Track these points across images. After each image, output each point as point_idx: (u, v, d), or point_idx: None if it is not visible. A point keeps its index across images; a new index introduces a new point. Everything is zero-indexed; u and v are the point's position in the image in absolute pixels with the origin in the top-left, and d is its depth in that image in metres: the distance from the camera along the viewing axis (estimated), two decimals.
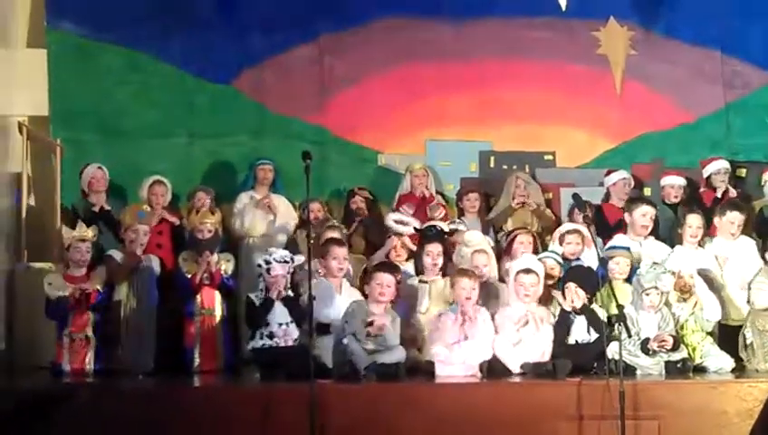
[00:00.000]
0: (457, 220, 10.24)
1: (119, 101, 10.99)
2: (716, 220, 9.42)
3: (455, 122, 11.37)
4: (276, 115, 11.18)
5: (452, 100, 11.38)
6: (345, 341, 7.77)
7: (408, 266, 9.25)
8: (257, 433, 7.11)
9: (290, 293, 8.24)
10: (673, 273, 8.52)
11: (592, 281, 8.31)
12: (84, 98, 10.87)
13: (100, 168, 10.10)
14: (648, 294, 8.24)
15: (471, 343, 8.07)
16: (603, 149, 11.41)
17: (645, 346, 8.03)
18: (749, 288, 8.77)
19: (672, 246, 9.34)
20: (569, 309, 8.33)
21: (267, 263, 8.24)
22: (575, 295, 8.32)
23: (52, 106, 10.66)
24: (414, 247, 9.48)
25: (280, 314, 8.16)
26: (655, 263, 8.53)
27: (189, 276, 8.90)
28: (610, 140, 11.43)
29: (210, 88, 11.16)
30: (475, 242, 9.23)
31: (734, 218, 9.32)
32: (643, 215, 9.47)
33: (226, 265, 9.08)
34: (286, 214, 10.45)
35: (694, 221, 9.25)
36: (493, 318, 8.30)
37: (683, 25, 11.60)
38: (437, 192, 11.02)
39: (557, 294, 8.64)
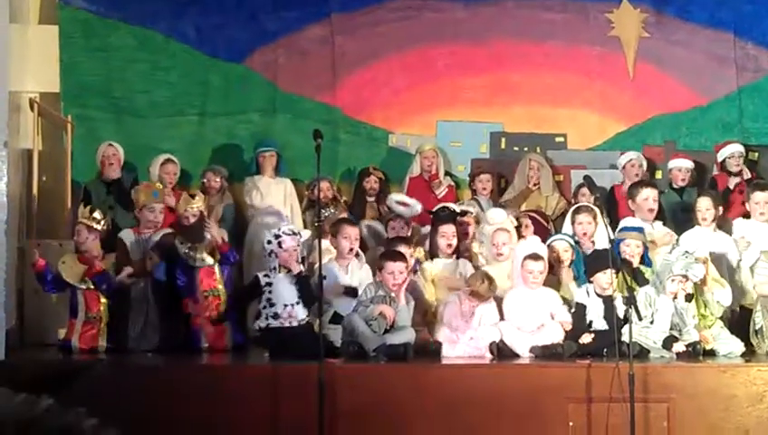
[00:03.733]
0: (467, 201, 10.23)
1: (130, 78, 10.97)
2: (747, 204, 9.42)
3: (466, 103, 11.34)
4: (288, 94, 11.16)
5: (464, 81, 11.35)
6: (352, 318, 7.83)
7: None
8: (265, 412, 7.13)
9: (302, 268, 8.24)
10: (705, 261, 8.48)
11: (616, 265, 8.22)
12: (96, 75, 10.87)
13: (111, 145, 10.12)
14: (672, 281, 8.20)
15: (475, 329, 8.08)
16: (615, 132, 11.36)
17: (668, 343, 7.99)
18: (752, 273, 8.77)
19: (678, 230, 9.33)
20: (602, 294, 8.29)
21: (277, 237, 8.21)
22: (609, 282, 8.27)
23: (64, 83, 10.64)
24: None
25: (288, 294, 8.15)
26: (687, 252, 8.46)
27: (187, 260, 8.85)
28: (622, 122, 11.39)
29: (222, 67, 11.14)
30: (497, 220, 9.21)
31: (758, 199, 9.29)
32: (645, 199, 9.45)
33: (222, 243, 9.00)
34: (290, 197, 10.47)
35: (703, 204, 9.24)
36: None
37: (696, 8, 11.53)
38: (447, 173, 11.02)
39: (569, 277, 8.65)
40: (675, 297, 8.19)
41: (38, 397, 1.26)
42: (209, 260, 8.77)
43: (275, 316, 8.07)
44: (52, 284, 8.46)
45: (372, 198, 10.58)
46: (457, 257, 9.04)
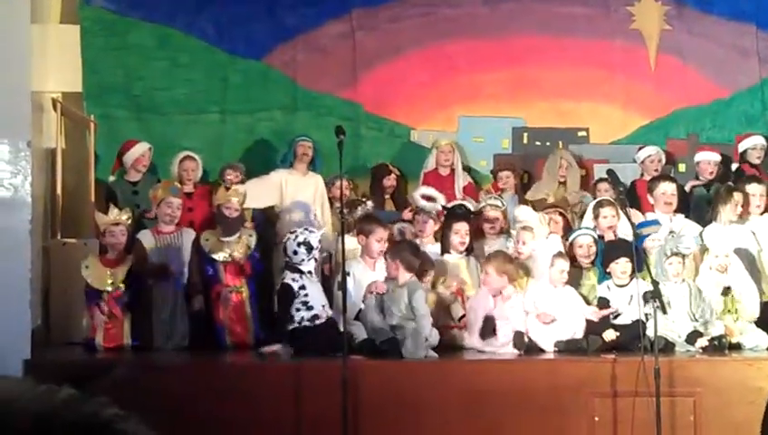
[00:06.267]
0: (494, 196, 10.15)
1: (151, 77, 10.98)
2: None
3: (487, 99, 11.31)
4: (309, 91, 11.15)
5: (485, 76, 11.32)
6: (368, 309, 7.86)
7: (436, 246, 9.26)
8: (289, 409, 7.14)
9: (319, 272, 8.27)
10: (698, 242, 8.49)
11: (639, 256, 8.19)
12: (117, 74, 10.88)
13: (150, 148, 10.12)
14: (670, 264, 8.20)
15: (501, 322, 8.07)
16: (637, 125, 11.33)
17: (692, 338, 7.96)
18: None
19: (705, 224, 9.29)
20: (621, 284, 8.27)
21: (309, 249, 8.17)
22: (623, 271, 8.26)
23: (86, 82, 10.66)
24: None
25: (320, 296, 8.14)
26: (672, 232, 8.51)
27: (213, 256, 8.86)
28: (645, 115, 11.35)
29: (242, 64, 11.14)
30: (521, 218, 9.19)
31: (754, 191, 9.27)
32: (663, 193, 9.42)
33: (249, 240, 9.04)
34: (321, 194, 10.38)
35: (740, 198, 9.19)
36: None
37: (717, 0, 11.48)
38: (465, 168, 10.98)
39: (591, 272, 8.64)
40: (681, 280, 8.17)
41: (59, 387, 1.26)
42: (236, 255, 8.79)
43: (314, 318, 8.02)
44: (91, 299, 8.50)
45: (389, 196, 10.56)
46: (467, 255, 9.01)
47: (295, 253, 8.12)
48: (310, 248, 8.12)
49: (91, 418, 1.25)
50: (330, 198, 10.15)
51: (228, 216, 8.99)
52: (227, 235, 8.91)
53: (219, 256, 8.80)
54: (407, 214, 9.78)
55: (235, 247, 8.85)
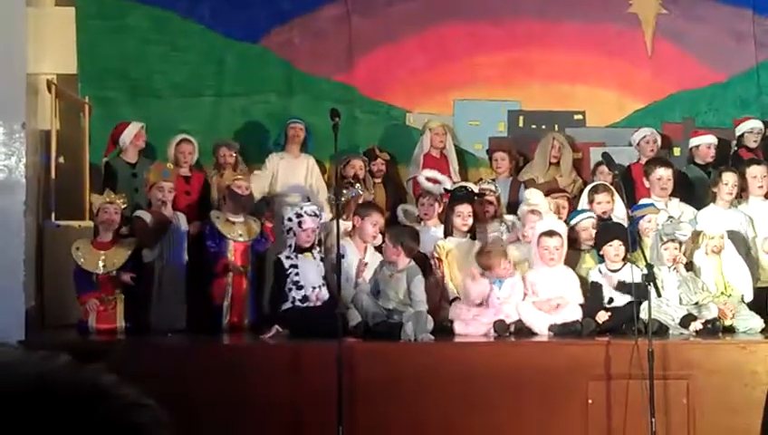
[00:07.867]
0: (488, 180, 10.15)
1: (147, 59, 10.97)
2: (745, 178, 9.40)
3: (483, 82, 11.28)
4: (305, 74, 11.14)
5: (481, 59, 11.28)
6: (360, 294, 7.91)
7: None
8: (285, 391, 7.15)
9: (321, 253, 8.30)
10: (695, 227, 8.50)
11: (632, 238, 8.21)
12: (113, 56, 10.86)
13: (142, 127, 10.12)
14: (666, 249, 8.21)
15: (498, 306, 8.08)
16: (633, 109, 11.30)
17: (686, 321, 7.97)
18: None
19: (701, 208, 9.29)
20: (614, 268, 8.28)
21: (299, 216, 8.23)
22: (617, 254, 8.28)
23: (81, 64, 10.61)
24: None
25: (314, 276, 8.17)
26: (671, 217, 8.52)
27: (223, 234, 8.89)
28: (641, 99, 11.33)
29: (239, 47, 11.12)
30: (531, 201, 9.18)
31: (755, 172, 9.26)
32: (659, 178, 9.42)
33: (255, 225, 9.07)
34: (312, 174, 10.43)
35: (730, 178, 9.16)
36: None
37: None
38: (458, 151, 10.98)
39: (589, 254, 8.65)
40: (674, 266, 8.18)
41: (56, 354, 1.27)
42: (245, 237, 8.83)
43: (304, 299, 8.07)
44: (84, 287, 8.49)
45: (379, 180, 10.56)
46: (472, 237, 9.01)
47: (289, 230, 8.21)
48: (299, 217, 8.18)
49: (90, 381, 1.27)
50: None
51: (241, 194, 9.03)
52: (238, 213, 8.95)
53: (234, 235, 8.83)
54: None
55: (243, 229, 8.89)
